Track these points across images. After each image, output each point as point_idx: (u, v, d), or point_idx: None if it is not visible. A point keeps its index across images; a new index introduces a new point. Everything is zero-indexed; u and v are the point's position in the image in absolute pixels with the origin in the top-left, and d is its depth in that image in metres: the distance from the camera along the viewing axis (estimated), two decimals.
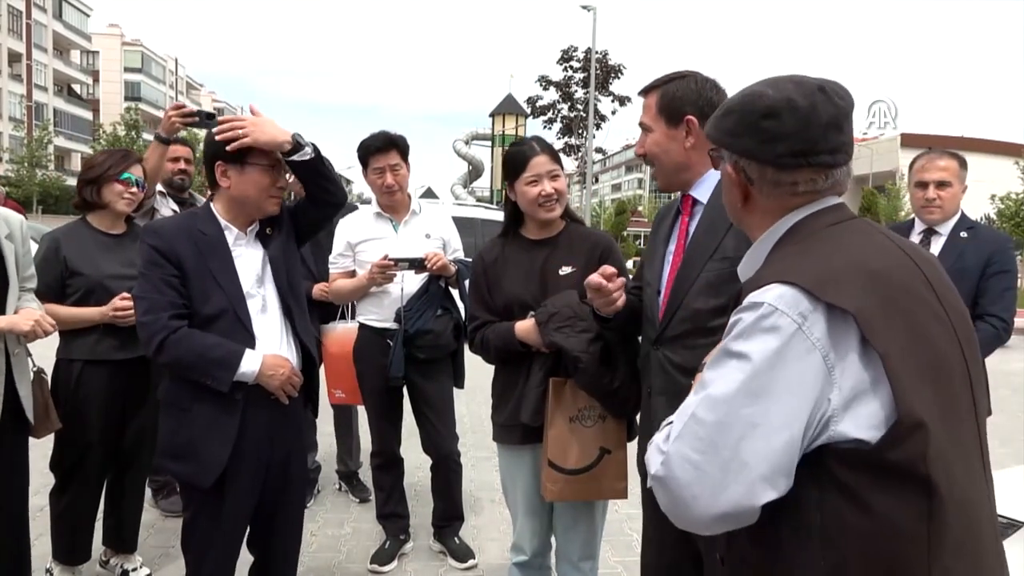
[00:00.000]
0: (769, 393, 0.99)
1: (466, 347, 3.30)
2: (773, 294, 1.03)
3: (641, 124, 1.93)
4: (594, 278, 1.92)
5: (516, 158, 2.38)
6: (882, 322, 1.01)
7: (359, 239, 3.25)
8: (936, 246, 2.98)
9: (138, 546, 3.15)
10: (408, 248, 3.15)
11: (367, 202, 3.55)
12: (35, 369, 2.57)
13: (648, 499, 2.04)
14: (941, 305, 1.09)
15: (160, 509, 3.64)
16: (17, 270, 2.44)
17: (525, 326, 2.30)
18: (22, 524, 2.55)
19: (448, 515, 3.43)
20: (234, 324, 2.15)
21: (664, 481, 1.03)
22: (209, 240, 2.17)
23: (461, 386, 3.42)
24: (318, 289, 3.62)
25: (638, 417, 2.20)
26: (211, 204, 2.24)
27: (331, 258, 3.33)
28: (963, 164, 3.07)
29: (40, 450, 2.61)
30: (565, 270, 2.36)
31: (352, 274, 3.27)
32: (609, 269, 1.93)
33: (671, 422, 1.10)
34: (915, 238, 3.04)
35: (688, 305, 1.80)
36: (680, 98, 1.83)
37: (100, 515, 3.01)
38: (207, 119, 2.70)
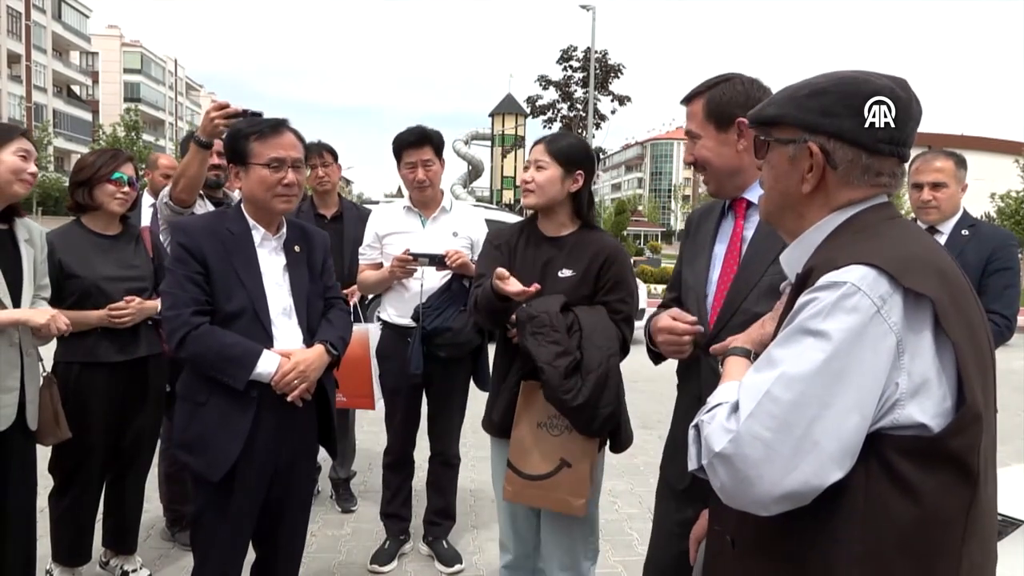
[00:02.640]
0: (846, 374, 1.00)
1: (491, 347, 3.30)
2: (855, 274, 1.02)
3: (688, 132, 1.88)
4: (664, 320, 1.81)
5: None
6: (953, 314, 1.03)
7: (386, 231, 3.27)
8: None
9: (138, 547, 3.15)
10: (433, 244, 3.14)
11: (368, 202, 3.56)
12: (45, 375, 2.55)
13: (661, 490, 2.00)
14: (978, 309, 1.12)
15: (177, 542, 3.44)
16: (34, 276, 2.46)
17: (503, 275, 2.25)
18: (30, 525, 2.55)
19: (440, 511, 3.41)
20: (253, 322, 2.18)
21: (731, 459, 1.03)
22: (236, 239, 2.21)
23: (485, 388, 3.34)
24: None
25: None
26: (241, 204, 2.28)
27: (360, 249, 3.38)
28: (961, 164, 3.05)
29: (40, 451, 2.60)
30: (564, 273, 2.35)
31: (379, 266, 3.29)
32: (686, 317, 1.80)
33: (720, 403, 1.11)
34: None
35: (748, 310, 1.73)
36: (729, 101, 1.79)
37: (99, 516, 3.01)
38: (253, 117, 2.51)
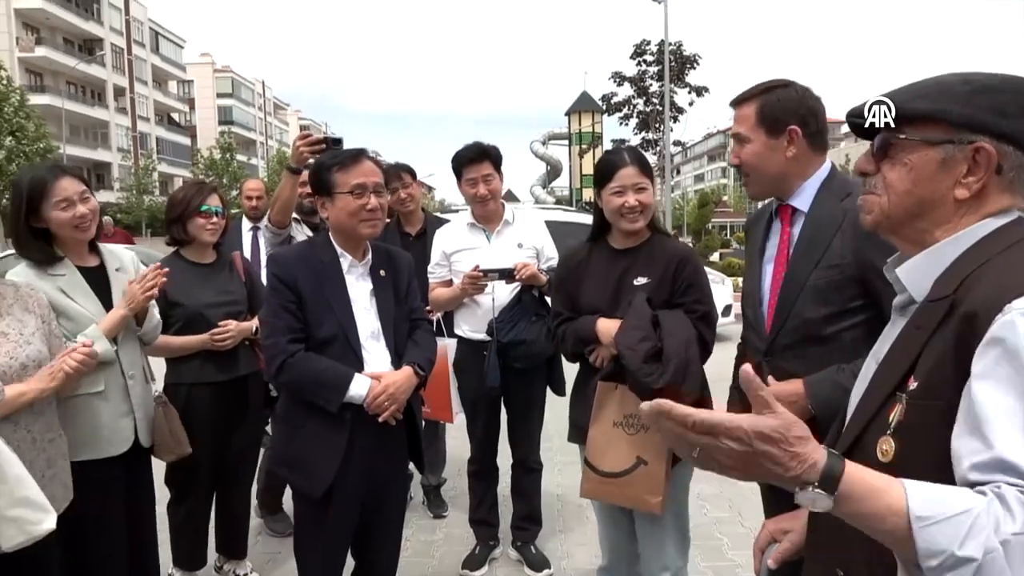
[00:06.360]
0: None
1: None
2: None
3: (736, 135, 1.88)
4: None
5: (604, 167, 2.41)
6: None
7: (453, 249, 3.35)
8: None
9: (248, 552, 3.36)
10: (500, 258, 3.21)
11: (449, 208, 3.66)
12: (156, 395, 2.66)
13: (764, 490, 1.97)
14: None
15: (268, 528, 3.81)
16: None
17: (606, 325, 2.34)
18: (154, 538, 2.72)
19: (526, 517, 3.48)
20: (344, 347, 2.28)
21: None
22: (326, 267, 2.32)
23: (562, 393, 3.42)
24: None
25: None
26: (329, 233, 2.40)
27: (429, 268, 3.44)
28: None
29: (156, 464, 2.81)
30: (640, 280, 2.37)
31: (449, 283, 3.37)
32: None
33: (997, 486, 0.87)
34: None
35: (798, 314, 1.77)
36: (783, 108, 1.79)
37: (211, 524, 3.23)
38: (334, 144, 2.78)
